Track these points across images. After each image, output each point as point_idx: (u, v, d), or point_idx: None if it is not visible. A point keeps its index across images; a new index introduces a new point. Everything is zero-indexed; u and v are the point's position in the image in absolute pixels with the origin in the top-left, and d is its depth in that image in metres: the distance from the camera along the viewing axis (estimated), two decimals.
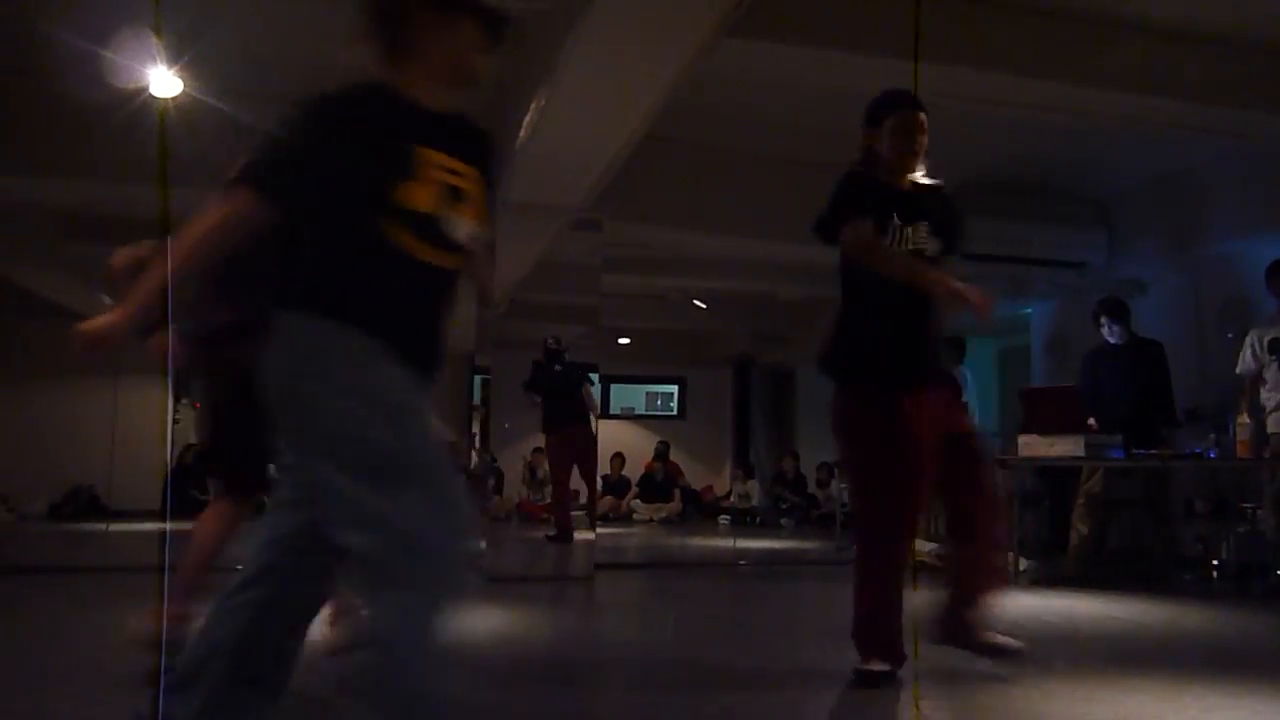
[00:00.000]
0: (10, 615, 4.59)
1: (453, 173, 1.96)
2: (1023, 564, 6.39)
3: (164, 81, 5.13)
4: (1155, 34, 5.52)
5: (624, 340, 12.94)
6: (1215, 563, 6.27)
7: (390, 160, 1.92)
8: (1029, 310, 9.58)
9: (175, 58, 5.06)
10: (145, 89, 5.25)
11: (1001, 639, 3.23)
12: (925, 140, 3.23)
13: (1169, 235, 7.86)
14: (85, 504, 10.44)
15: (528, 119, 5.54)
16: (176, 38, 5.06)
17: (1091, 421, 5.97)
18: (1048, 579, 6.10)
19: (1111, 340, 6.30)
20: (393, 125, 1.96)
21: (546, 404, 8.64)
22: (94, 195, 7.44)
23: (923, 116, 3.25)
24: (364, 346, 1.88)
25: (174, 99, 5.27)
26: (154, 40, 4.83)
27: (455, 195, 1.96)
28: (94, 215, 8.49)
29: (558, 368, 8.68)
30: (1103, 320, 6.30)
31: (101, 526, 8.52)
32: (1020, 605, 5.15)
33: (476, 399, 9.87)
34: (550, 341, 8.88)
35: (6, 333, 10.49)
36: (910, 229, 3.11)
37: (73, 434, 10.33)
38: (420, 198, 1.92)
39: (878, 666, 3.12)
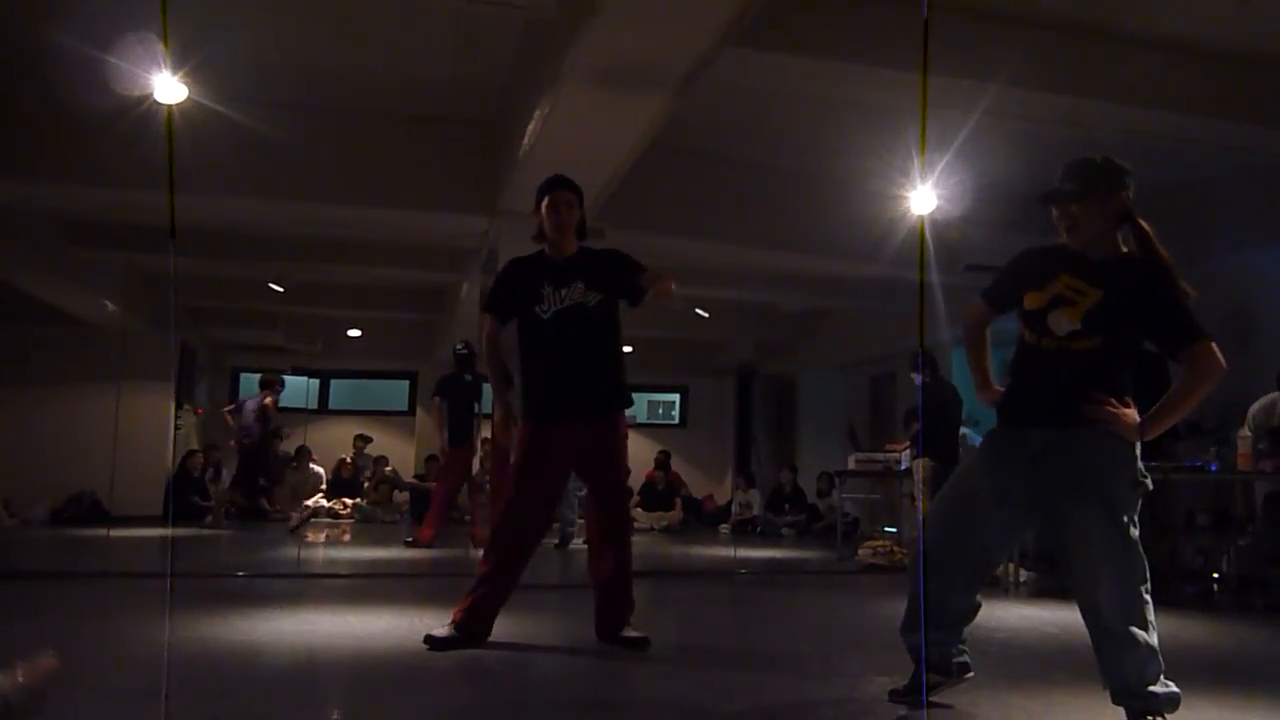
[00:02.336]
0: (11, 621, 4.59)
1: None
2: (1023, 575, 6.38)
3: (169, 88, 5.13)
4: (1159, 48, 5.54)
5: (626, 349, 12.94)
6: (1216, 575, 6.26)
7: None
8: None
9: (180, 64, 5.08)
10: (150, 95, 5.26)
11: (633, 633, 3.83)
12: (571, 213, 3.85)
13: (1173, 247, 7.82)
14: (87, 509, 10.44)
15: (530, 127, 5.56)
16: (181, 44, 5.08)
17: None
18: (1047, 590, 6.09)
19: None
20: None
21: (450, 415, 8.12)
22: (98, 201, 7.47)
23: (566, 195, 3.86)
24: None
25: (179, 105, 5.27)
26: (160, 47, 4.85)
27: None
28: (98, 221, 8.52)
29: (468, 377, 8.14)
30: None
31: (103, 532, 8.51)
32: (1020, 616, 5.15)
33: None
34: (459, 347, 8.29)
35: (9, 338, 10.51)
36: (565, 289, 3.78)
37: (75, 439, 10.35)
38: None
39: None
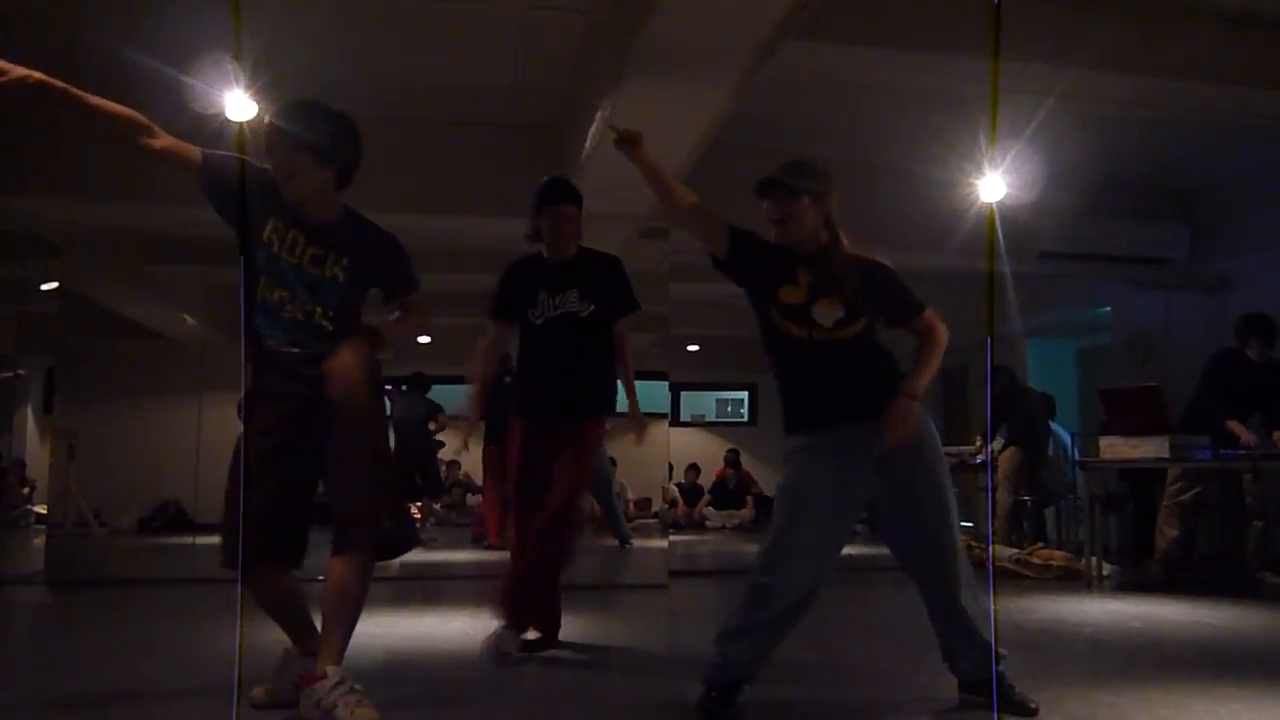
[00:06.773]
0: (103, 625, 4.74)
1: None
2: (1106, 569, 6.24)
3: (240, 105, 5.23)
4: (1225, 20, 5.38)
5: (693, 347, 12.91)
6: None
7: None
8: (1107, 309, 9.35)
9: (250, 81, 5.17)
10: (221, 113, 5.37)
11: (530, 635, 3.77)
12: (572, 227, 3.86)
13: (1254, 229, 7.63)
14: (172, 518, 10.71)
15: (593, 129, 5.58)
16: (251, 61, 5.17)
17: (1235, 425, 5.80)
18: (1132, 584, 5.95)
19: (1253, 358, 6.12)
20: None
21: (486, 415, 8.47)
22: (174, 218, 7.63)
23: (567, 209, 3.85)
24: None
25: (249, 122, 5.37)
26: (231, 64, 4.94)
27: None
28: (175, 237, 8.73)
29: (507, 379, 8.39)
30: (1251, 343, 6.11)
31: (188, 539, 8.72)
32: (1104, 611, 5.03)
33: None
34: None
35: (93, 353, 10.81)
36: (559, 297, 3.83)
37: (159, 450, 10.60)
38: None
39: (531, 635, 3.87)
